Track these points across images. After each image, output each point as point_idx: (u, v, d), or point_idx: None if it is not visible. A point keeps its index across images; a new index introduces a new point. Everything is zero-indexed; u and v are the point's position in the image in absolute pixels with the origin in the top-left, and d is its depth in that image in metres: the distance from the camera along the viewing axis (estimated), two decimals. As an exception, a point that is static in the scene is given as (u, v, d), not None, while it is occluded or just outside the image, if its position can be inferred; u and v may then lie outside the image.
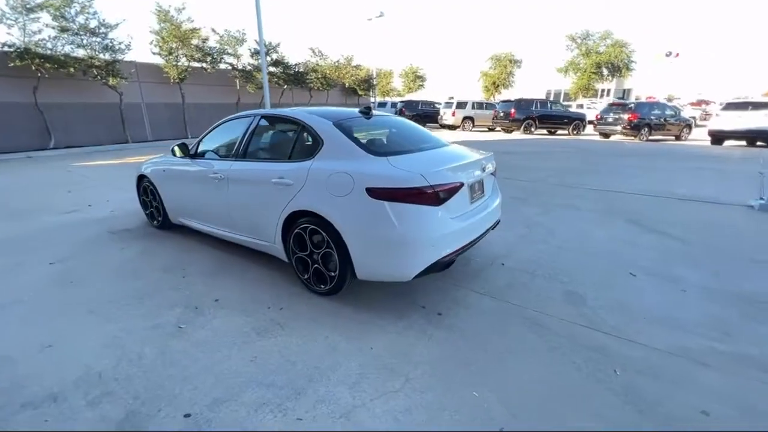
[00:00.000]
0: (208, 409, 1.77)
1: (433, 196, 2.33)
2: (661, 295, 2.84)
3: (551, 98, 30.73)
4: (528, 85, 40.71)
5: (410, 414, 1.75)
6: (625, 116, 14.94)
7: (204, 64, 14.31)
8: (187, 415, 1.73)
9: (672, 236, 4.08)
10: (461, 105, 20.64)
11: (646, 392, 1.88)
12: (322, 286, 2.73)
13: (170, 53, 13.15)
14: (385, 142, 3.00)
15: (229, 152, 3.39)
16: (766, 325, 2.46)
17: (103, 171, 8.32)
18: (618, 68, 32.89)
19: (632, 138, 15.26)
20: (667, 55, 28.83)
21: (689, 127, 16.00)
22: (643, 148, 12.27)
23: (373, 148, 2.63)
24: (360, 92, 21.81)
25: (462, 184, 2.54)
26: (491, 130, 20.26)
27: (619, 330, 2.40)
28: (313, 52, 18.56)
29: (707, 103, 34.37)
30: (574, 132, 18.21)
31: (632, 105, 15.17)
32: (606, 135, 16.21)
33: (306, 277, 2.82)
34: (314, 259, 2.73)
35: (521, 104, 17.76)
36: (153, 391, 1.88)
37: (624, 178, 7.14)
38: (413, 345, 2.25)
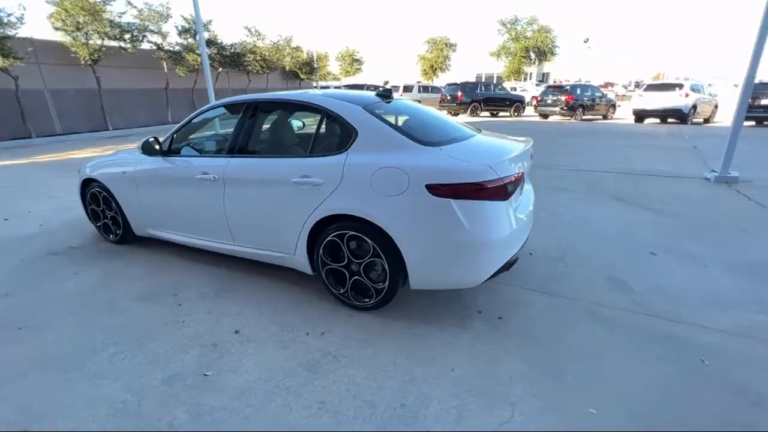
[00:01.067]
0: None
1: (503, 189, 2.05)
2: (689, 273, 2.91)
3: (482, 81, 31.94)
4: (463, 69, 41.96)
5: (539, 449, 1.51)
6: (563, 98, 15.96)
7: (122, 43, 12.32)
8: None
9: (661, 212, 4.29)
10: (408, 88, 20.50)
11: (745, 380, 1.84)
12: (367, 300, 2.34)
13: (77, 29, 11.06)
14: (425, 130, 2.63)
15: (220, 147, 2.79)
16: (793, 294, 2.61)
17: (6, 173, 6.78)
18: (544, 53, 35.13)
19: (569, 118, 16.38)
20: (585, 41, 31.45)
21: (614, 107, 17.58)
22: (583, 128, 13.18)
23: (417, 136, 2.26)
24: (302, 75, 20.61)
25: (522, 175, 2.31)
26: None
27: (677, 314, 2.37)
28: (249, 31, 16.98)
29: (612, 85, 38.45)
30: (515, 113, 19.07)
31: (568, 87, 16.20)
32: (545, 116, 17.20)
33: (342, 291, 2.41)
34: (353, 270, 2.33)
35: (467, 87, 18.11)
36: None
37: (586, 157, 7.51)
38: (493, 360, 2.00)
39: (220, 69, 15.89)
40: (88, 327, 2.29)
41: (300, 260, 2.52)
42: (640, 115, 14.84)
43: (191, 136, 3.10)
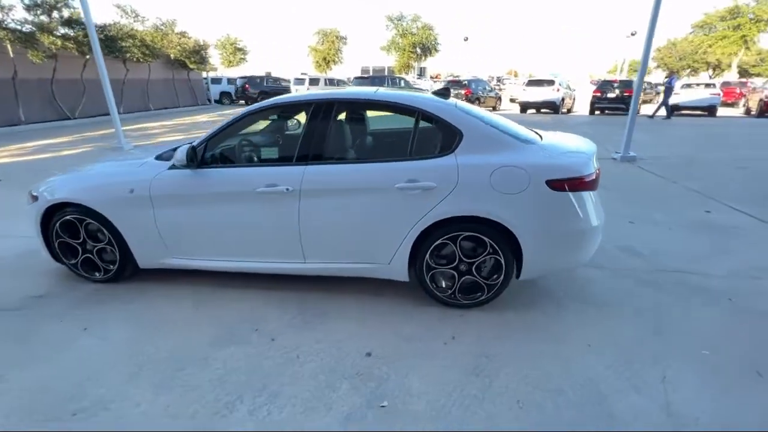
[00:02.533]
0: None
1: (597, 181, 2.33)
2: (665, 235, 3.70)
3: (388, 75, 33.00)
4: (355, 62, 42.49)
5: None
6: (462, 92, 17.61)
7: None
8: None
9: (603, 186, 5.25)
10: (314, 81, 19.95)
11: (765, 307, 2.50)
12: (479, 295, 2.39)
13: None
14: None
15: (286, 154, 2.43)
16: (739, 240, 3.56)
17: None
18: (428, 49, 37.92)
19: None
20: (465, 40, 35.04)
21: (500, 99, 20.15)
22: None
23: (512, 134, 2.37)
24: (191, 65, 18.20)
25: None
26: None
27: (686, 268, 3.03)
28: (123, 11, 14.16)
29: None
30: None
31: (466, 82, 17.93)
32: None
33: (449, 293, 2.41)
34: (462, 270, 2.35)
35: (375, 81, 18.53)
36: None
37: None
38: (613, 330, 2.26)
39: (87, 56, 12.99)
40: (181, 390, 1.82)
41: (396, 269, 2.41)
42: (524, 107, 17.38)
43: (230, 143, 2.61)
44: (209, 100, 21.93)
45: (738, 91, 21.29)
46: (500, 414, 1.68)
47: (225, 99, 22.57)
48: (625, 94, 15.47)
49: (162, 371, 1.94)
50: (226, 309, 2.48)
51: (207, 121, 13.63)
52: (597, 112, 16.56)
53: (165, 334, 2.23)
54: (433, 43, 37.21)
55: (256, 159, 2.61)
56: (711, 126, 12.54)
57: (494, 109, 19.43)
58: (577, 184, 2.19)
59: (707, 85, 16.32)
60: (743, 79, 28.34)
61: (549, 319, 2.38)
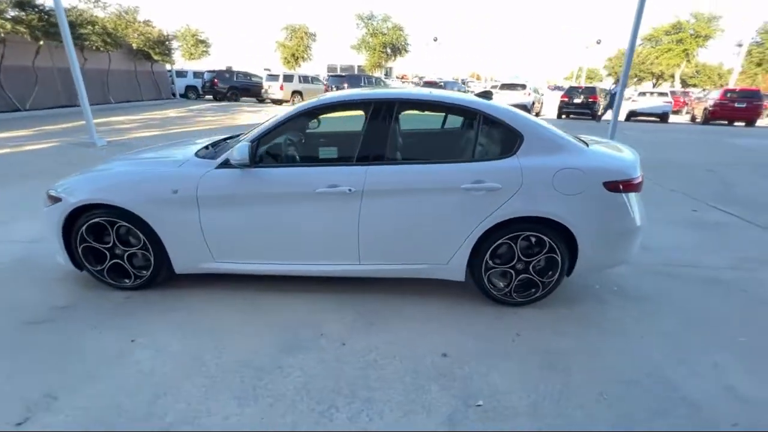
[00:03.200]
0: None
1: (642, 183, 2.48)
2: (663, 231, 4.00)
3: (365, 74, 32.69)
4: (325, 59, 41.92)
5: None
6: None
7: None
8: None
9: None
10: (288, 78, 19.47)
11: (773, 297, 2.79)
12: (533, 292, 2.47)
13: None
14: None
15: (345, 154, 2.38)
16: (728, 235, 3.92)
17: None
18: (398, 49, 38.14)
19: (443, 111, 18.62)
20: (434, 40, 35.62)
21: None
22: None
23: (566, 138, 2.47)
24: (155, 56, 17.14)
25: None
26: None
27: (694, 262, 3.31)
28: (81, -6, 13.04)
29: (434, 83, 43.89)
30: (395, 106, 20.43)
31: (443, 84, 18.30)
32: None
33: (505, 291, 2.47)
34: (518, 269, 2.42)
35: (351, 79, 18.42)
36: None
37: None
38: (680, 331, 2.40)
39: (41, 42, 11.88)
40: (268, 401, 1.73)
41: (453, 269, 2.44)
42: (498, 110, 18.00)
43: (281, 141, 2.50)
44: (174, 94, 20.75)
45: (682, 99, 23.33)
46: (590, 405, 1.76)
47: (191, 93, 21.41)
48: (590, 99, 16.48)
49: (238, 382, 1.84)
50: (280, 314, 2.39)
51: (178, 116, 12.89)
52: (563, 117, 17.48)
53: (225, 343, 2.11)
54: (403, 43, 37.48)
55: (312, 158, 2.52)
56: (667, 132, 13.65)
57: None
58: (629, 185, 2.32)
59: (660, 94, 17.73)
60: (685, 89, 31.13)
61: (597, 314, 2.51)
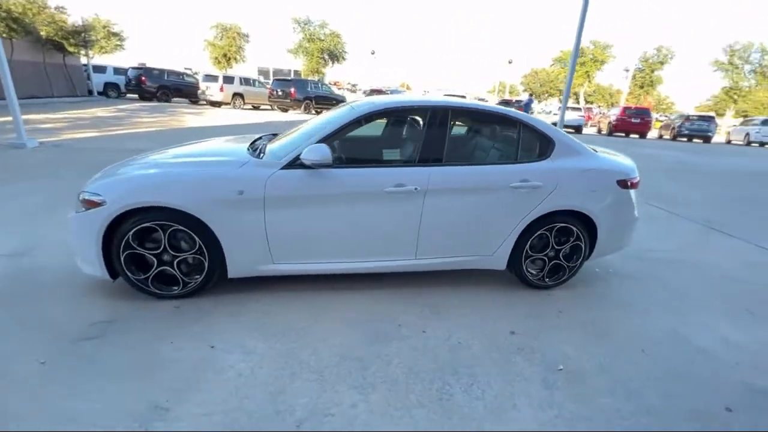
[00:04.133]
0: None
1: (639, 183, 3.02)
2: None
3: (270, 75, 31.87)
4: (258, 62, 40.37)
5: None
6: (386, 101, 18.54)
7: None
8: None
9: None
10: (228, 79, 18.51)
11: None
12: (561, 275, 2.86)
13: None
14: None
15: (406, 155, 2.54)
16: (663, 226, 4.81)
17: None
18: (336, 56, 38.29)
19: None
20: (372, 53, 36.35)
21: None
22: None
23: (582, 145, 2.92)
24: (69, 48, 15.13)
25: None
26: (256, 108, 19.38)
27: (654, 247, 4.04)
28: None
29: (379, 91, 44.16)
30: (340, 112, 20.48)
31: (389, 91, 18.88)
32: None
33: (540, 276, 2.83)
34: (551, 256, 2.80)
35: (299, 84, 18.12)
36: None
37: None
38: (670, 299, 2.98)
39: None
40: (386, 386, 1.82)
41: (498, 259, 2.74)
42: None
43: (343, 143, 2.55)
44: (90, 92, 18.42)
45: (586, 115, 27.08)
46: (638, 359, 2.16)
47: (111, 91, 19.16)
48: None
49: (347, 373, 1.90)
50: (347, 311, 2.45)
51: (110, 116, 11.54)
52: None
53: (311, 340, 2.13)
54: (340, 51, 37.75)
55: (374, 159, 2.62)
56: (584, 141, 15.73)
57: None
58: (633, 184, 2.84)
59: (574, 109, 20.38)
60: (588, 105, 36.10)
61: (608, 291, 3.00)
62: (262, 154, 2.54)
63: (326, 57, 37.60)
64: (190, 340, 2.07)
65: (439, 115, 2.60)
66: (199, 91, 18.49)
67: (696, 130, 18.83)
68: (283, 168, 2.37)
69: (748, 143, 19.51)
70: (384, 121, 2.70)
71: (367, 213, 2.46)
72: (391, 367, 1.96)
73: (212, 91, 17.97)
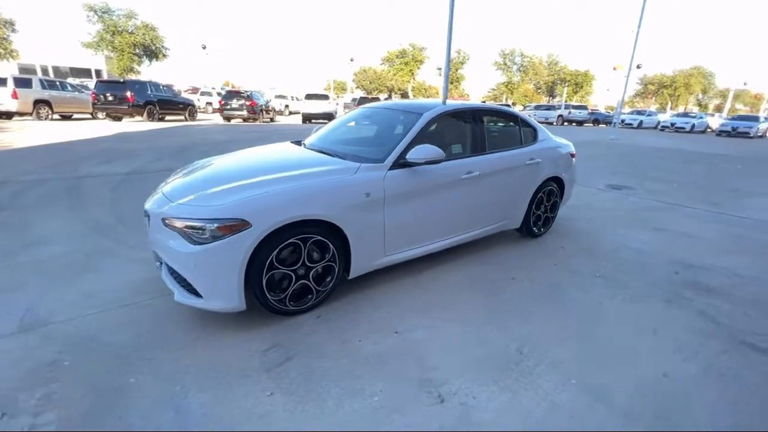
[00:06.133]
0: None
1: (569, 152, 4.42)
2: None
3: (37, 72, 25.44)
4: (37, 58, 30.98)
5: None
6: (247, 103, 17.50)
7: None
8: None
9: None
10: (23, 82, 14.01)
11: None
12: (548, 222, 4.00)
13: None
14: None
15: (464, 148, 3.14)
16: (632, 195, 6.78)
17: None
18: (154, 53, 32.89)
19: (252, 121, 18.21)
20: (203, 48, 32.46)
21: (274, 110, 21.14)
22: (293, 128, 15.68)
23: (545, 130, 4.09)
24: None
25: None
26: (67, 117, 15.52)
27: (610, 207, 5.79)
28: None
29: (196, 90, 31.39)
30: (191, 117, 18.21)
31: (249, 93, 17.81)
32: (229, 119, 18.02)
33: (543, 231, 3.91)
34: (542, 211, 3.91)
35: (136, 87, 15.24)
36: None
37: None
38: (607, 246, 4.47)
39: None
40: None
41: (517, 220, 3.67)
42: (308, 117, 19.29)
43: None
44: None
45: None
46: (593, 282, 3.42)
47: None
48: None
49: (494, 312, 2.48)
50: (455, 280, 2.95)
51: None
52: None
53: (457, 305, 2.58)
54: (159, 46, 32.55)
55: (448, 154, 3.05)
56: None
57: (272, 120, 20.25)
58: (574, 155, 4.19)
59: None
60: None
61: (571, 230, 4.32)
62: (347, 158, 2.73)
63: (140, 53, 31.93)
64: (375, 333, 2.25)
65: (478, 115, 3.31)
66: (-27, 100, 13.43)
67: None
68: (390, 169, 2.66)
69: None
70: (446, 121, 3.18)
71: (449, 198, 2.98)
72: (516, 297, 2.64)
73: (2, 98, 13.34)
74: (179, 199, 2.29)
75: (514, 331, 2.32)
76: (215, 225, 2.06)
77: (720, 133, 22.92)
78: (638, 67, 26.32)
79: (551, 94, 50.22)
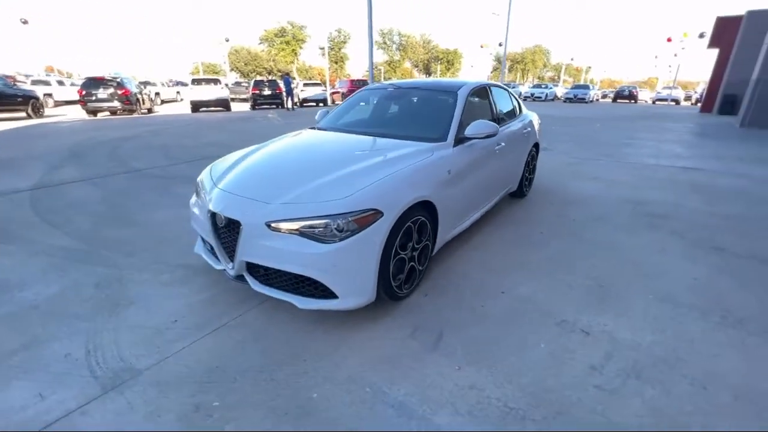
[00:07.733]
0: None
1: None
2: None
3: None
4: None
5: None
6: (119, 92, 14.58)
7: None
8: None
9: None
10: None
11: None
12: (530, 185, 4.64)
13: None
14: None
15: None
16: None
17: None
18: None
19: (128, 113, 15.33)
20: (23, 23, 24.74)
21: (151, 99, 18.12)
22: (146, 121, 13.71)
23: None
24: None
25: None
26: None
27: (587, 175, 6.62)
28: None
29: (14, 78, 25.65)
30: (36, 114, 14.39)
31: (120, 79, 14.80)
32: (95, 112, 14.80)
33: (524, 189, 4.51)
34: (528, 172, 4.51)
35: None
36: None
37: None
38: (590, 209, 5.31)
39: None
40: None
41: (515, 185, 4.18)
42: (197, 105, 17.06)
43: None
44: None
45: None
46: (594, 225, 4.24)
47: None
48: (277, 92, 18.97)
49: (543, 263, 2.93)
50: (500, 243, 3.28)
51: None
52: (257, 108, 19.15)
53: (529, 265, 2.93)
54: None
55: None
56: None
57: (150, 111, 17.33)
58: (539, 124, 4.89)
59: (316, 84, 22.99)
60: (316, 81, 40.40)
61: (538, 187, 5.06)
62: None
63: None
64: (487, 298, 2.44)
65: (492, 91, 3.62)
66: None
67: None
68: (454, 146, 2.79)
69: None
70: (471, 97, 3.35)
71: (487, 170, 3.24)
72: (560, 246, 3.13)
73: None
74: (277, 199, 2.06)
75: (583, 271, 2.79)
76: (350, 218, 1.95)
77: (566, 100, 28.22)
78: (500, 44, 30.17)
79: (428, 71, 54.00)
